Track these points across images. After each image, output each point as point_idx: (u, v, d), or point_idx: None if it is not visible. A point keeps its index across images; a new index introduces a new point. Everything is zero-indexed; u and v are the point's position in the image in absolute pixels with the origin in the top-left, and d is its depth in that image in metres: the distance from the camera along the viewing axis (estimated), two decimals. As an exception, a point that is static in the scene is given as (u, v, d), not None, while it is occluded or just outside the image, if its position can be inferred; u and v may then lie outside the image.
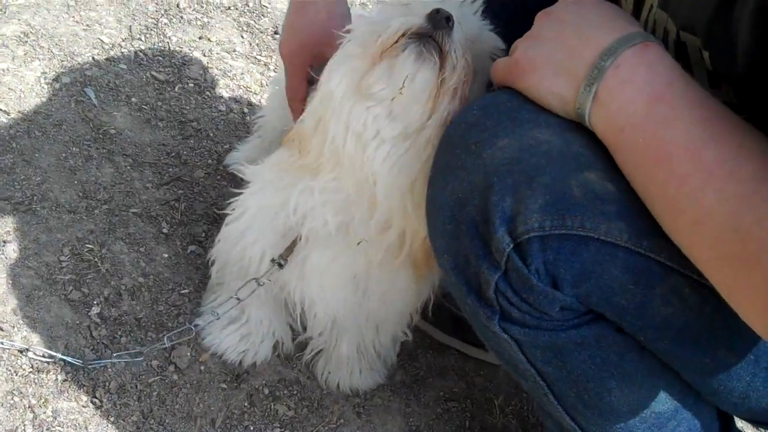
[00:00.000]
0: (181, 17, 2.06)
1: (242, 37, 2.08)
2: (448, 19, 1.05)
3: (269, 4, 2.21)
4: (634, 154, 0.85)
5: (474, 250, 0.89)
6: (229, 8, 2.15)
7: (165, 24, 2.03)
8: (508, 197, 0.85)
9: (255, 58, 2.04)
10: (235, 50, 2.04)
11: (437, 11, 1.05)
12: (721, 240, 0.78)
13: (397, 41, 1.06)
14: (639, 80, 0.85)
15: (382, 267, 1.19)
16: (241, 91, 1.93)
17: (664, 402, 0.98)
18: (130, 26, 1.98)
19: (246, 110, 1.89)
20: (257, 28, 2.13)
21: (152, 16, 2.03)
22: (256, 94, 1.94)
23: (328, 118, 1.12)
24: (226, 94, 1.91)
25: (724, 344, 0.90)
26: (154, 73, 1.87)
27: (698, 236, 0.80)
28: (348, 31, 1.15)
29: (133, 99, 1.79)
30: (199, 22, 2.07)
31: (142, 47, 1.93)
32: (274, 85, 1.74)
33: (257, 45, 2.08)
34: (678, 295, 0.86)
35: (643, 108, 0.84)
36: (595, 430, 1.02)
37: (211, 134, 1.79)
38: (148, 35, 1.97)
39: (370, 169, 1.09)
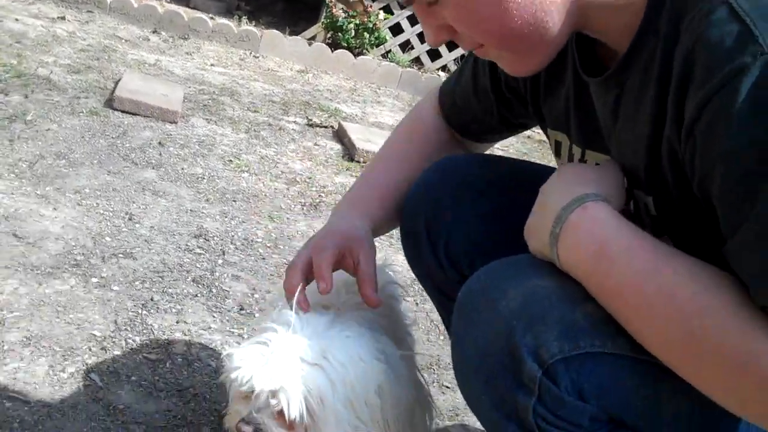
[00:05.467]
0: (157, 308, 2.35)
1: (213, 317, 2.38)
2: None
3: (230, 288, 2.55)
4: (600, 298, 1.05)
5: (507, 385, 1.08)
6: (197, 295, 2.47)
7: (145, 315, 2.30)
8: (528, 334, 1.05)
9: (229, 331, 2.33)
10: (210, 327, 2.32)
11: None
12: (681, 345, 0.95)
13: None
14: (581, 242, 1.06)
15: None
16: (224, 358, 2.18)
17: None
18: (116, 320, 2.23)
19: (234, 372, 2.12)
20: (224, 308, 2.44)
21: (132, 310, 2.31)
22: (237, 359, 2.19)
23: None
24: (212, 363, 2.15)
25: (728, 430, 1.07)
26: (145, 355, 2.10)
27: (667, 352, 0.98)
28: None
29: (133, 377, 1.99)
30: (174, 310, 2.36)
31: (130, 335, 2.18)
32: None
33: (227, 321, 2.38)
34: (681, 390, 1.00)
35: (590, 265, 1.05)
36: None
37: (208, 396, 2.00)
38: (132, 325, 2.23)
39: None
